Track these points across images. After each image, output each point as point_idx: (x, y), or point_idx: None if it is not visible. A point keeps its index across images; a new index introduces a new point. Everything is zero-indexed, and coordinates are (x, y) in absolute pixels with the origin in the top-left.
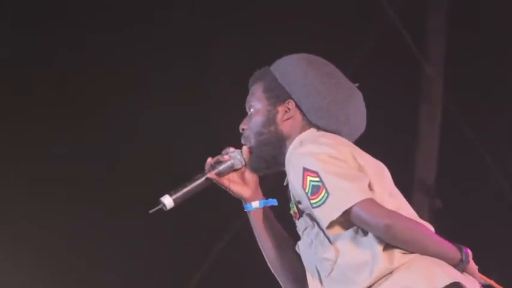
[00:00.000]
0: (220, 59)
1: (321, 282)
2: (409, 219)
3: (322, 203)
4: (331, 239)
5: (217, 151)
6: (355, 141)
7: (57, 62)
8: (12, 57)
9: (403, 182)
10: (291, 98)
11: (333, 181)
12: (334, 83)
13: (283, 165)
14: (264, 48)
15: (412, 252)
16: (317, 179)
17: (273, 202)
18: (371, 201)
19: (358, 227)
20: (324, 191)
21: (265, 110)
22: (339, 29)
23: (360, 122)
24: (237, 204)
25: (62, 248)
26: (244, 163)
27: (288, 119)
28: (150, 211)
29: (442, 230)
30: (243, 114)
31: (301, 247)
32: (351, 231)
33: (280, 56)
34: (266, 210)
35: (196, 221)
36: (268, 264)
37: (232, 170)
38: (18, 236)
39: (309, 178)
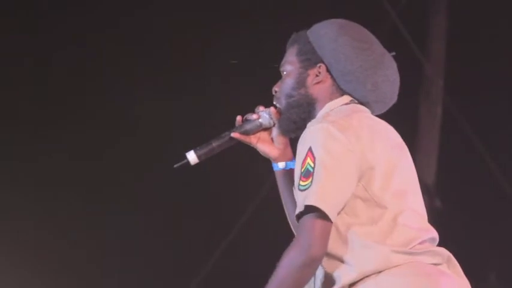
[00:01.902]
0: (219, 56)
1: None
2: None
3: (305, 190)
4: None
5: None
6: None
7: (55, 61)
8: (11, 58)
9: None
10: (322, 61)
11: (322, 176)
12: (365, 48)
13: None
14: (265, 48)
15: (405, 254)
16: (312, 164)
17: None
18: (324, 224)
19: (345, 223)
20: (310, 179)
21: (297, 73)
22: None
23: (389, 91)
24: (240, 202)
25: (62, 246)
26: (273, 123)
27: (317, 82)
28: (175, 165)
29: (441, 230)
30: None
31: None
32: (340, 226)
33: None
34: (292, 172)
35: (199, 219)
36: (290, 222)
37: (262, 129)
38: (16, 236)
39: (308, 160)
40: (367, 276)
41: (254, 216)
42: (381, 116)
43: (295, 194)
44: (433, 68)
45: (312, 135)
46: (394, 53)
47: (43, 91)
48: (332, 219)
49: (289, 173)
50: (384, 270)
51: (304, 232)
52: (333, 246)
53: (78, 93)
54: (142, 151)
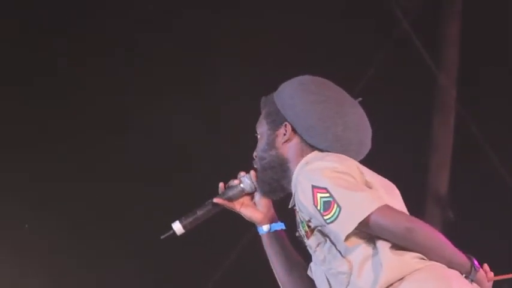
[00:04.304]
0: (225, 66)
1: None
2: (428, 225)
3: (335, 218)
4: (342, 252)
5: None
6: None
7: (60, 71)
8: (12, 66)
9: (416, 192)
10: (286, 121)
11: (343, 194)
12: (321, 100)
13: (289, 188)
14: (275, 60)
15: (423, 259)
16: (327, 194)
17: (281, 226)
18: (388, 207)
19: (369, 237)
20: (335, 205)
21: (266, 135)
22: (353, 40)
23: (353, 137)
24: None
25: (68, 250)
26: (254, 187)
27: (286, 141)
28: (162, 237)
29: (454, 241)
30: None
31: (314, 266)
32: (362, 242)
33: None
34: (279, 233)
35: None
36: (280, 284)
37: (244, 194)
38: (21, 245)
39: (319, 195)
40: (390, 285)
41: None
42: (394, 125)
43: (324, 229)
44: (446, 78)
45: (306, 177)
46: (360, 99)
47: (46, 101)
48: (384, 202)
49: (274, 235)
50: (405, 276)
51: (392, 225)
52: (357, 261)
53: (82, 101)
54: (150, 157)
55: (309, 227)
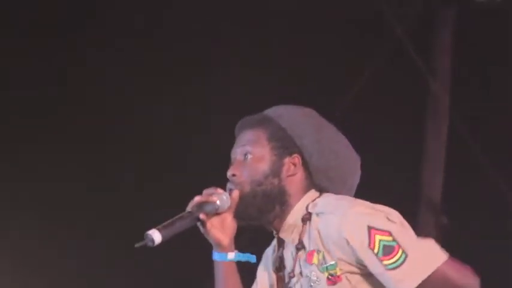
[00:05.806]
0: (218, 78)
1: None
2: None
3: (400, 264)
4: None
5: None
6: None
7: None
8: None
9: (409, 200)
10: (299, 152)
11: (411, 241)
12: (346, 144)
13: (269, 222)
14: (273, 67)
15: None
16: (390, 238)
17: (252, 258)
18: (454, 260)
19: None
20: (400, 251)
21: (270, 160)
22: (346, 47)
23: (356, 181)
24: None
25: (68, 249)
26: (226, 208)
27: (292, 174)
28: (137, 245)
29: (448, 247)
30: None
31: None
32: None
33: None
34: (234, 265)
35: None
36: None
37: (215, 213)
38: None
39: (378, 237)
40: None
41: None
42: (387, 133)
43: (379, 276)
44: (439, 85)
45: (358, 217)
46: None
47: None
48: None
49: (234, 266)
50: None
51: (462, 279)
52: None
53: (81, 110)
54: (147, 166)
55: (338, 271)
